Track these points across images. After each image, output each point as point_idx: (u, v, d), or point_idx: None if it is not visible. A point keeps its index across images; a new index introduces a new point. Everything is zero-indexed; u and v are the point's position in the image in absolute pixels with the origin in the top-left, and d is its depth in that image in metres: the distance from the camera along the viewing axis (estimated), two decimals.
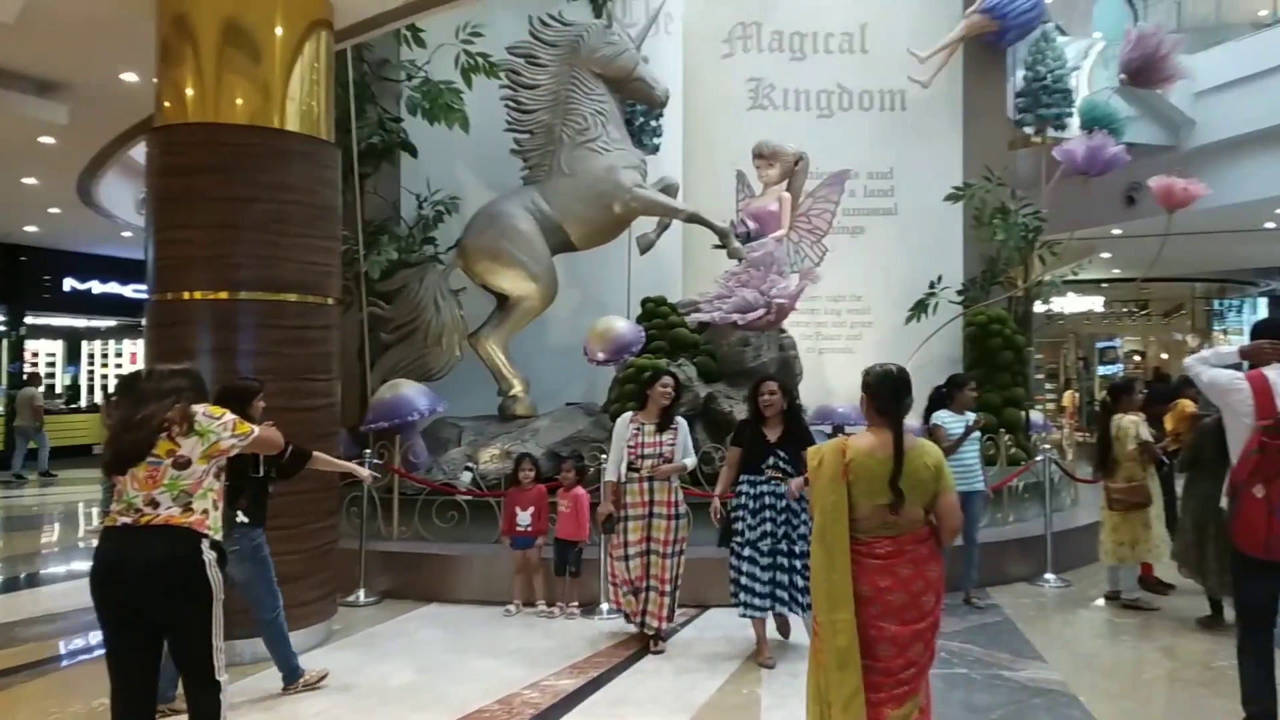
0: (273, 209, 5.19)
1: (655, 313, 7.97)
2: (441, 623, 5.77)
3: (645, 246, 8.19)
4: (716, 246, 8.09)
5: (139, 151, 10.01)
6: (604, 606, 5.85)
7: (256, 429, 3.43)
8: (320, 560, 5.30)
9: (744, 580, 4.96)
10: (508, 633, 5.54)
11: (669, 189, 8.20)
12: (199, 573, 3.11)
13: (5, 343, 15.85)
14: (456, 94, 7.84)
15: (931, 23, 9.62)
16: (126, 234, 13.38)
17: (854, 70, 9.80)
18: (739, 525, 5.05)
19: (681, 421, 5.40)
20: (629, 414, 5.41)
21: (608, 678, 4.76)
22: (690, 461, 5.36)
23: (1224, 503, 3.90)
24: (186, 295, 5.13)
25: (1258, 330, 4.05)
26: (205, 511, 3.20)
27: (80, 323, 17.97)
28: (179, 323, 5.14)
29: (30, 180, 10.35)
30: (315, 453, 4.55)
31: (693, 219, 8.02)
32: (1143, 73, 9.80)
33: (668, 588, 5.16)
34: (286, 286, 5.24)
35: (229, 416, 3.35)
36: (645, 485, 5.20)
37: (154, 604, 3.08)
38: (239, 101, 5.24)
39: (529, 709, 4.31)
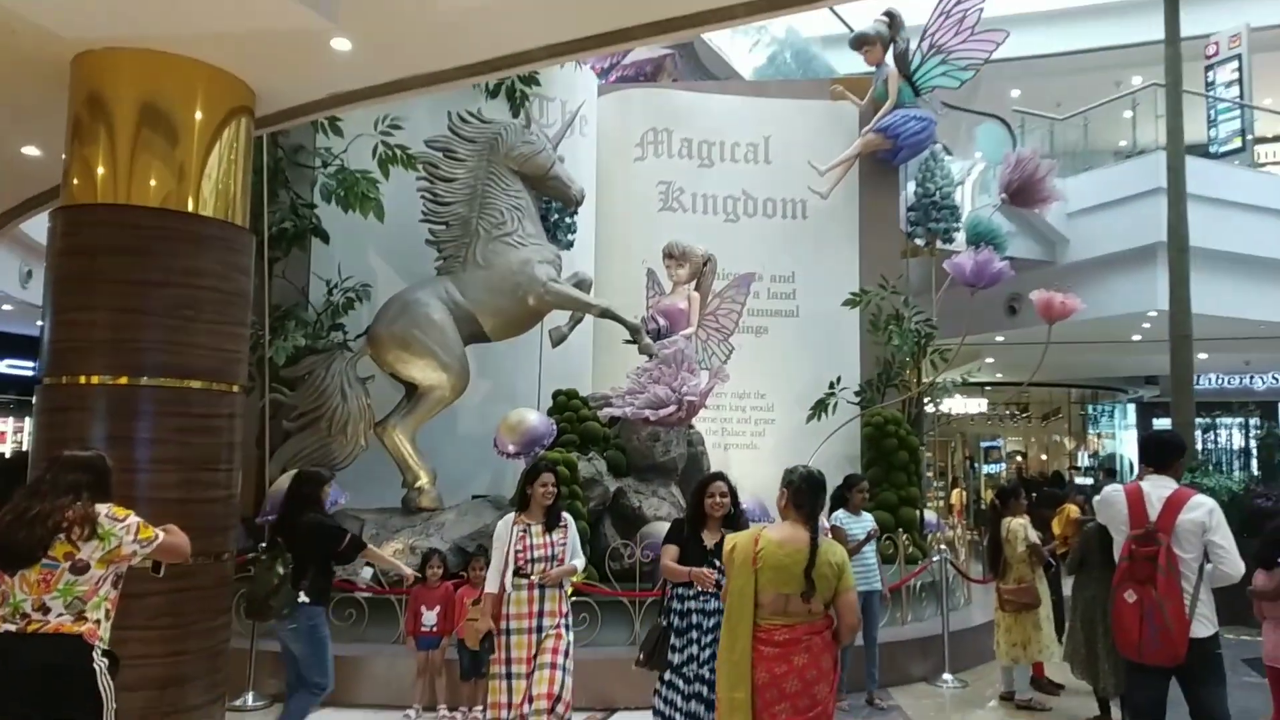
0: (183, 294, 5.06)
1: (567, 405, 8.02)
2: None
3: (558, 339, 8.27)
4: (628, 341, 8.25)
5: (30, 226, 9.66)
6: None
7: (161, 535, 3.28)
8: (210, 662, 5.01)
9: (664, 710, 4.31)
10: None
11: (583, 284, 8.35)
12: (89, 681, 3.00)
13: None
14: (373, 183, 7.87)
15: (830, 138, 10.25)
16: (7, 307, 12.71)
17: (758, 179, 10.30)
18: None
19: (569, 518, 4.95)
20: (510, 515, 4.87)
21: None
22: (579, 562, 4.87)
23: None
24: (83, 379, 4.90)
25: (1145, 444, 4.43)
26: (98, 621, 3.08)
27: None
28: (73, 408, 4.90)
29: None
30: (369, 546, 5.09)
31: (605, 314, 8.17)
32: (1021, 193, 10.60)
33: (559, 706, 4.49)
34: (192, 373, 5.07)
35: (133, 520, 3.21)
36: (535, 594, 4.63)
37: (37, 716, 2.93)
38: (152, 183, 5.13)
39: None
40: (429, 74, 5.51)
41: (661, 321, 8.51)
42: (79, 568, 3.04)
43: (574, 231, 9.10)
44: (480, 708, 5.73)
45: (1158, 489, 4.03)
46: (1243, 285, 13.00)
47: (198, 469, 5.03)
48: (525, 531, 4.72)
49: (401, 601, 6.30)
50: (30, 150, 6.96)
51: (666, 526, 6.93)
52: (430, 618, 5.77)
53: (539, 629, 4.58)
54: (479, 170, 7.89)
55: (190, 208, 5.21)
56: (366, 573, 6.60)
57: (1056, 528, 7.71)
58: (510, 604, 4.61)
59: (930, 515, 9.56)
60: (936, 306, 10.13)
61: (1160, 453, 4.21)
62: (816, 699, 3.32)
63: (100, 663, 3.02)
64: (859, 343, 10.13)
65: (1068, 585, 6.80)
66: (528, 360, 8.64)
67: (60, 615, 2.99)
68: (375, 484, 7.61)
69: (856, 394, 9.81)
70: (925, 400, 10.29)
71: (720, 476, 4.59)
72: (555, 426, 7.69)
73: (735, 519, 4.48)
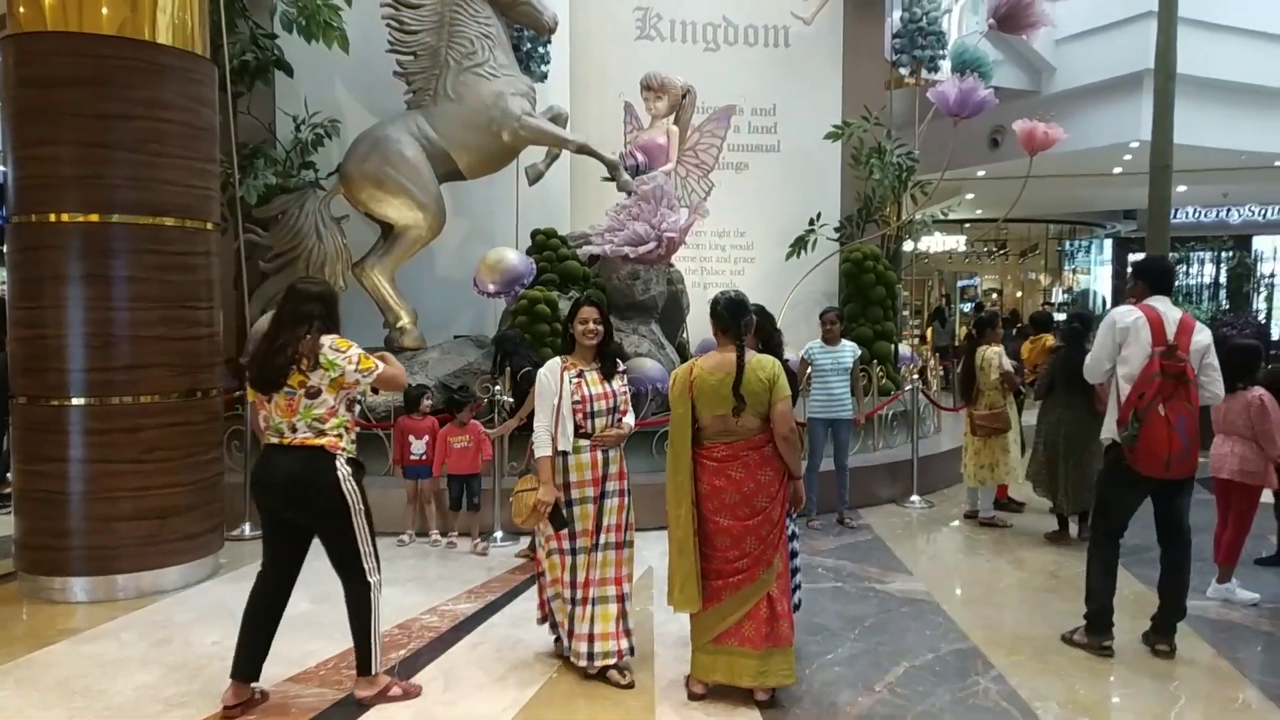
0: (147, 127, 4.91)
1: (545, 245, 7.97)
2: None
3: (534, 177, 8.13)
4: (605, 179, 8.11)
5: None
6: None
7: (380, 365, 3.55)
8: (206, 493, 5.18)
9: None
10: (402, 562, 5.59)
11: (558, 118, 8.12)
12: (335, 488, 3.45)
13: None
14: (335, 10, 7.49)
15: None
16: None
17: (739, 3, 9.87)
18: None
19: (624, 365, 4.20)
20: (555, 361, 3.92)
21: (505, 601, 4.91)
22: (630, 420, 4.01)
23: (1109, 433, 4.18)
24: (53, 217, 4.83)
25: (1137, 270, 4.43)
26: (339, 434, 3.50)
27: None
28: (46, 246, 4.85)
29: None
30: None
31: (582, 150, 7.99)
32: (1009, 18, 10.22)
33: (625, 588, 3.90)
34: (164, 210, 5.00)
35: (355, 351, 3.50)
36: (598, 455, 3.85)
37: (297, 515, 3.53)
38: (105, 10, 4.89)
39: (429, 632, 4.42)
40: None
41: (640, 157, 8.35)
42: (312, 393, 3.44)
43: (547, 62, 8.77)
44: (479, 537, 5.99)
45: (1169, 310, 4.16)
46: (1228, 113, 12.86)
47: (177, 306, 5.04)
48: (580, 379, 3.85)
49: (388, 436, 6.46)
50: None
51: (649, 363, 7.12)
52: (419, 447, 5.94)
53: (604, 495, 3.86)
54: None
55: (147, 36, 4.99)
56: (354, 408, 6.73)
57: (1026, 353, 7.93)
58: (570, 469, 3.81)
59: (905, 349, 9.76)
60: (919, 140, 9.98)
61: (1165, 277, 4.34)
62: (756, 509, 3.58)
63: (344, 470, 3.47)
64: (840, 178, 10.02)
65: (1029, 414, 7.06)
66: (504, 199, 8.51)
67: (304, 433, 3.44)
68: (356, 325, 7.57)
69: (836, 230, 9.79)
70: (904, 236, 10.30)
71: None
72: (535, 265, 7.67)
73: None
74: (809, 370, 6.58)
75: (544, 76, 8.69)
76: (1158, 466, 3.99)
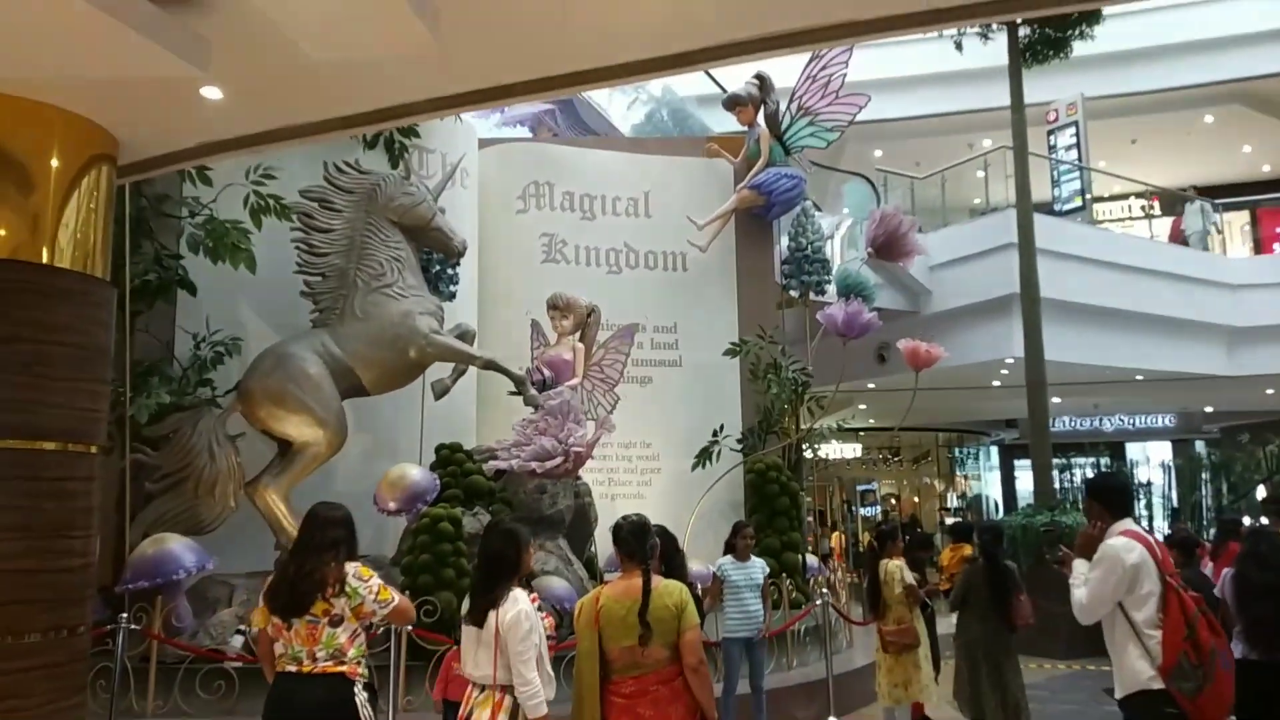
0: (34, 350, 4.75)
1: (450, 459, 7.88)
2: None
3: (440, 392, 8.14)
4: (512, 393, 8.20)
5: None
6: None
7: (397, 598, 3.61)
8: None
9: None
10: None
11: (465, 335, 8.27)
12: (353, 711, 3.48)
13: None
14: (244, 233, 7.63)
15: (707, 193, 10.59)
16: None
17: (639, 232, 10.51)
18: None
19: None
20: (524, 594, 3.62)
21: None
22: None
23: (1138, 684, 3.61)
24: None
25: (1093, 491, 4.12)
26: (357, 660, 3.54)
27: None
28: None
29: None
30: None
31: (489, 365, 8.10)
32: (886, 247, 11.16)
33: None
34: (46, 434, 4.74)
35: (376, 582, 3.57)
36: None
37: None
38: (1, 233, 4.85)
39: None
40: (305, 124, 5.39)
41: (546, 373, 8.51)
42: (335, 621, 3.49)
43: (456, 283, 9.04)
44: None
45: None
46: (1089, 333, 14.00)
47: (50, 536, 4.67)
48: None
49: None
50: None
51: (556, 581, 6.92)
52: None
53: None
54: (357, 221, 7.75)
55: (44, 259, 4.94)
56: (237, 641, 6.28)
57: (946, 560, 8.04)
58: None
59: (812, 560, 9.78)
60: (811, 356, 10.51)
61: (1124, 496, 4.04)
62: None
63: (360, 695, 3.51)
64: (740, 391, 10.37)
65: (944, 624, 7.06)
66: (409, 414, 8.46)
67: (325, 660, 3.47)
68: (246, 546, 7.24)
69: (739, 441, 10.01)
70: (804, 446, 10.59)
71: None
72: (439, 481, 7.54)
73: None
74: (721, 587, 6.48)
75: (453, 296, 8.93)
76: (1223, 711, 3.54)
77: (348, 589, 3.49)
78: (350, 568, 3.54)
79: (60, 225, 5.03)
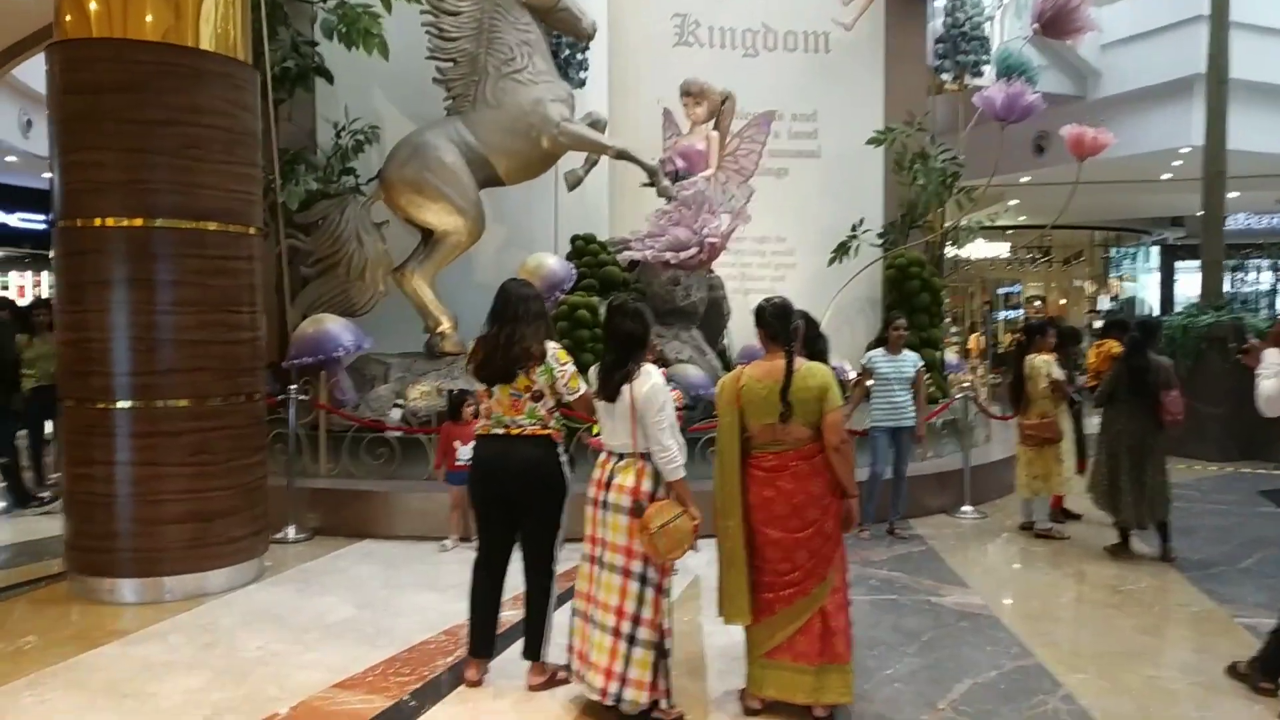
0: (189, 133, 4.91)
1: (585, 250, 7.91)
2: (375, 558, 5.71)
3: (573, 183, 8.07)
4: (645, 185, 8.05)
5: (22, 72, 9.36)
6: None
7: (584, 388, 3.71)
8: (250, 496, 5.15)
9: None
10: (445, 568, 5.50)
11: (597, 124, 8.06)
12: (559, 472, 3.70)
13: None
14: (375, 18, 7.49)
15: None
16: (11, 159, 12.49)
17: (779, 9, 9.76)
18: None
19: None
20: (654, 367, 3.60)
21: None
22: None
23: None
24: (98, 221, 4.83)
25: None
26: (557, 429, 3.74)
27: None
28: (91, 250, 4.85)
29: None
30: None
31: (621, 156, 7.92)
32: (1054, 23, 10.00)
33: (631, 627, 3.48)
34: (206, 214, 4.98)
35: (571, 367, 3.70)
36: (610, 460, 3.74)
37: (523, 495, 3.68)
38: (149, 18, 4.89)
39: None
40: None
41: (680, 163, 8.27)
42: (536, 396, 3.66)
43: (586, 69, 8.73)
44: None
45: None
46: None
47: (219, 310, 5.02)
48: None
49: (431, 440, 6.41)
50: None
51: (691, 369, 7.02)
52: (466, 452, 5.82)
53: (604, 505, 3.59)
54: (485, 2, 7.48)
55: (190, 42, 4.99)
56: (395, 414, 6.71)
57: (1092, 359, 7.73)
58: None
59: (951, 357, 9.57)
60: (963, 145, 9.80)
61: None
62: (807, 521, 3.45)
63: (564, 457, 3.72)
64: (882, 183, 9.87)
65: (1090, 421, 6.84)
66: (543, 205, 8.46)
67: (531, 425, 3.67)
68: (398, 329, 7.61)
69: (879, 236, 9.63)
70: (948, 243, 10.11)
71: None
72: (575, 271, 7.61)
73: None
74: (869, 380, 6.42)
75: (583, 83, 8.65)
76: None
77: (547, 364, 3.63)
78: (550, 346, 3.68)
79: (201, 10, 5.05)
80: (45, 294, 15.06)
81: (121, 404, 4.80)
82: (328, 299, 7.29)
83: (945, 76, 10.20)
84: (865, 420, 6.51)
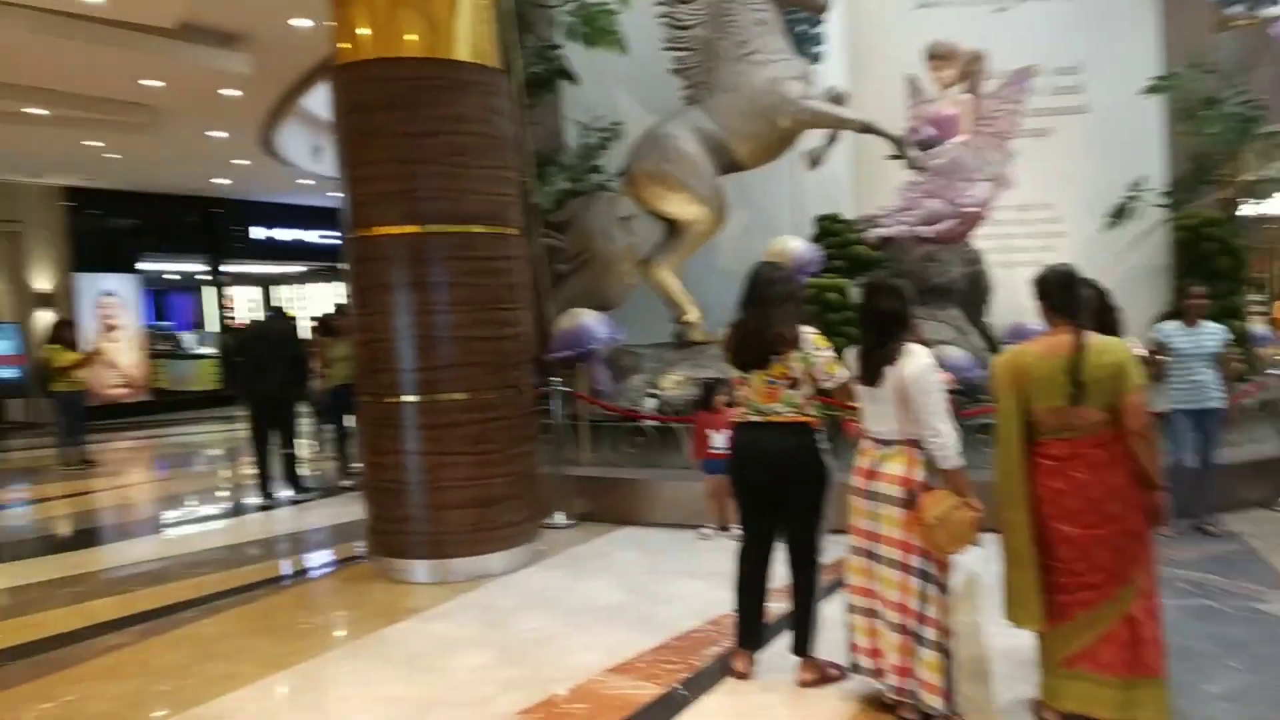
0: (453, 141, 5.22)
1: (830, 230, 7.69)
2: (638, 545, 5.86)
3: (814, 161, 7.86)
4: (891, 156, 7.68)
5: (312, 101, 10.43)
6: None
7: (843, 374, 3.54)
8: (524, 483, 5.44)
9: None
10: (705, 555, 5.53)
11: (836, 98, 7.80)
12: (819, 460, 3.56)
13: (210, 291, 17.20)
14: (612, 15, 7.65)
15: None
16: (305, 181, 14.02)
17: None
18: None
19: None
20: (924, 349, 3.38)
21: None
22: None
23: None
24: (379, 230, 5.26)
25: None
26: (816, 416, 3.60)
27: (273, 269, 19.20)
28: (376, 258, 5.29)
29: (217, 133, 10.94)
30: None
31: (865, 129, 7.61)
32: None
33: (917, 625, 3.30)
34: (471, 218, 5.29)
35: (828, 353, 3.55)
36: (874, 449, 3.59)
37: (782, 484, 3.58)
38: (411, 36, 5.25)
39: None
40: None
41: (929, 130, 7.81)
42: (792, 384, 3.54)
43: (822, 43, 8.46)
44: None
45: None
46: None
47: (489, 308, 5.32)
48: None
49: (685, 429, 6.48)
50: (301, 22, 7.39)
51: (953, 350, 6.62)
52: (720, 440, 5.84)
53: (872, 495, 3.45)
54: None
55: (448, 55, 5.30)
56: (650, 402, 6.85)
57: None
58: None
59: (1259, 327, 8.41)
60: (1261, 85, 8.54)
61: None
62: (1106, 516, 3.08)
63: (824, 445, 3.57)
64: (1162, 136, 8.82)
65: None
66: (783, 187, 8.31)
67: (788, 411, 3.54)
68: (649, 320, 7.77)
69: (1164, 195, 8.62)
70: (1248, 198, 8.89)
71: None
72: (821, 253, 7.41)
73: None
74: (1164, 357, 5.73)
75: (819, 57, 8.40)
76: None
77: (802, 350, 3.50)
78: (805, 331, 3.54)
79: (455, 23, 5.33)
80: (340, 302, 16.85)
81: (408, 398, 5.22)
82: (582, 293, 7.56)
83: (1236, 9, 8.94)
84: (1162, 402, 5.82)
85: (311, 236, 18.07)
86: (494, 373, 5.32)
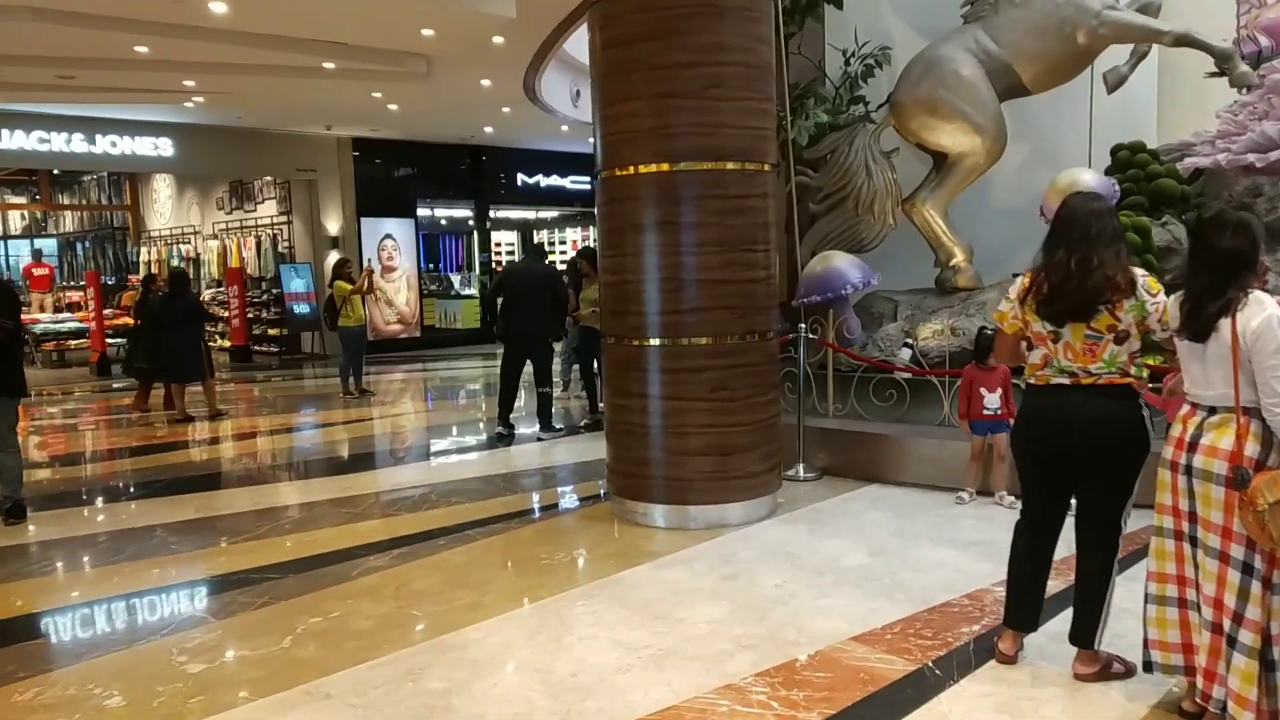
0: (711, 72, 4.98)
1: (1130, 161, 6.69)
2: (885, 505, 5.47)
3: (1115, 83, 6.85)
4: (1211, 74, 6.54)
5: (572, 45, 10.55)
6: None
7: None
8: (765, 433, 5.22)
9: None
10: (962, 522, 5.07)
11: (1147, 8, 6.73)
12: (1140, 426, 3.05)
13: (476, 235, 18.35)
14: None
15: None
16: (564, 128, 14.39)
17: None
18: None
19: None
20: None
21: None
22: None
23: None
24: (631, 169, 5.14)
25: None
26: (1138, 376, 3.09)
27: (530, 214, 20.15)
28: (626, 198, 5.19)
29: (486, 82, 11.39)
30: None
31: (1180, 41, 6.50)
32: None
33: (1247, 635, 2.71)
34: (725, 154, 5.04)
35: (1162, 298, 3.00)
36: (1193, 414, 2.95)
37: (1094, 457, 3.07)
38: None
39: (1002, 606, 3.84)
40: None
41: (1263, 41, 6.56)
42: (1120, 337, 3.02)
43: None
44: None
45: None
46: None
47: (737, 250, 5.08)
48: None
49: (944, 383, 5.96)
50: None
51: None
52: (993, 400, 5.29)
53: (1189, 470, 2.88)
54: None
55: None
56: (905, 354, 6.36)
57: None
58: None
59: None
60: None
61: None
62: None
63: (1146, 412, 3.08)
64: None
65: None
66: (1074, 113, 7.31)
67: (1108, 374, 3.03)
68: (905, 264, 7.21)
69: None
70: None
71: None
72: (1117, 187, 6.48)
73: None
74: None
75: None
76: None
77: (1137, 296, 2.97)
78: (1139, 274, 3.00)
79: None
80: (588, 246, 17.31)
81: (652, 341, 5.12)
82: (836, 235, 7.14)
83: None
84: None
85: (566, 182, 18.66)
86: (740, 317, 5.10)
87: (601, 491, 5.88)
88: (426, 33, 8.96)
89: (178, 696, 3.28)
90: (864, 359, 6.38)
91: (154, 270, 16.01)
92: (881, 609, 3.88)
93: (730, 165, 5.05)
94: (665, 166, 5.05)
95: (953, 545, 4.67)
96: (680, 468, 5.11)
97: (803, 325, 6.26)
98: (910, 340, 6.43)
